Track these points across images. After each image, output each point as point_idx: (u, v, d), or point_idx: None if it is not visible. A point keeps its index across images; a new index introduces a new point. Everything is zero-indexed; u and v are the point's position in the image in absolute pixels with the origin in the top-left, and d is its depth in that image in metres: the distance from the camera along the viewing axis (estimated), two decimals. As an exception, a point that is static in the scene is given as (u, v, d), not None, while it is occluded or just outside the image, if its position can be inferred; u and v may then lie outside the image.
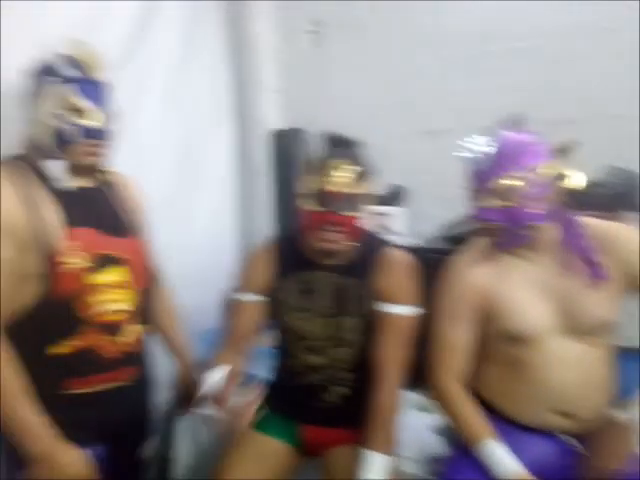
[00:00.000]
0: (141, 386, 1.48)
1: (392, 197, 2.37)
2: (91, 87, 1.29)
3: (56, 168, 1.28)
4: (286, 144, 2.62)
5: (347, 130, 2.47)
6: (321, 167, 1.42)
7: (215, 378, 1.44)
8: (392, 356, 1.43)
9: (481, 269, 1.35)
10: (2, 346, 1.20)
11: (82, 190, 1.34)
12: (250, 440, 1.57)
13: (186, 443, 2.08)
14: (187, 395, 1.64)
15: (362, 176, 1.42)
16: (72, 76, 1.27)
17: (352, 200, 1.41)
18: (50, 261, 1.22)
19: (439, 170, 2.36)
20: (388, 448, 1.41)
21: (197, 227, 2.43)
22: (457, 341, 1.36)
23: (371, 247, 1.51)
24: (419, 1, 2.32)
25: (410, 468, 1.68)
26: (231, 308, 1.61)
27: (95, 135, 1.30)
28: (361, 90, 2.49)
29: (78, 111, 1.27)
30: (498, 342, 1.35)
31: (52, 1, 1.63)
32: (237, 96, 2.65)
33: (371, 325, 1.47)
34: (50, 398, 1.24)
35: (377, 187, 1.48)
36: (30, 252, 1.21)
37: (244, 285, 1.58)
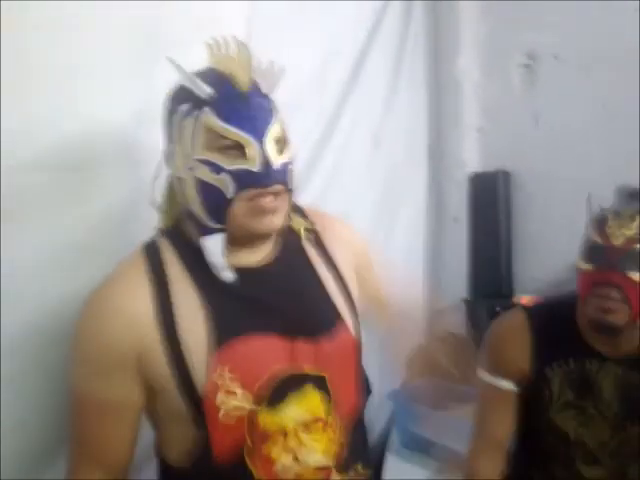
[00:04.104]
0: None
1: None
2: (243, 106, 0.83)
3: (213, 247, 0.85)
4: (487, 188, 2.38)
5: (561, 173, 2.26)
6: (602, 219, 1.14)
7: None
8: None
9: None
10: None
11: (251, 272, 0.90)
12: None
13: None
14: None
15: None
16: (210, 95, 0.82)
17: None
18: (197, 402, 0.82)
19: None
20: None
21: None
22: None
23: None
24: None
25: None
26: (482, 395, 1.29)
27: (260, 181, 0.82)
28: (582, 129, 2.17)
29: (228, 148, 0.82)
30: None
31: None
32: (435, 134, 2.49)
33: None
34: None
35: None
36: (169, 388, 0.83)
37: (494, 366, 1.27)
